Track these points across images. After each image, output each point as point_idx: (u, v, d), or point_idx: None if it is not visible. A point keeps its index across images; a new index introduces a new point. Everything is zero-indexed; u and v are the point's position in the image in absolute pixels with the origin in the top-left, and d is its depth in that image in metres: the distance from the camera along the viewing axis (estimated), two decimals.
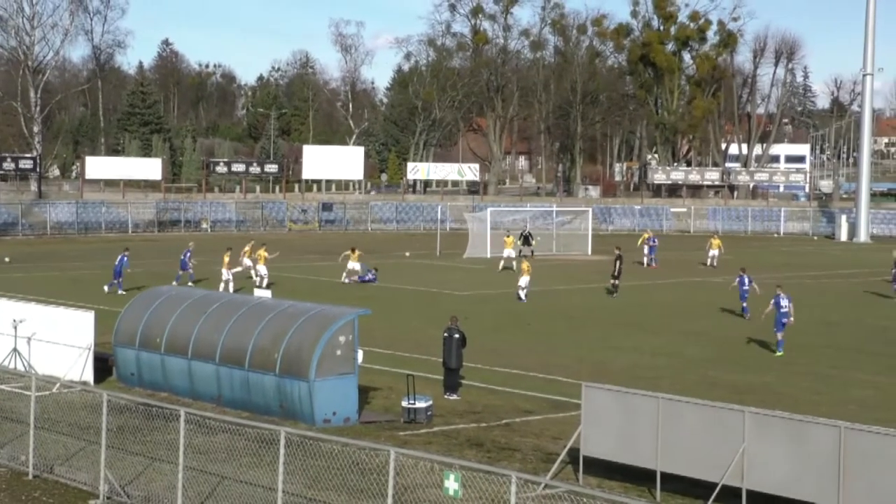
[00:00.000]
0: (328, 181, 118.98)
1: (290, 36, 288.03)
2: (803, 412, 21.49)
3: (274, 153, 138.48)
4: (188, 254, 51.27)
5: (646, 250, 66.14)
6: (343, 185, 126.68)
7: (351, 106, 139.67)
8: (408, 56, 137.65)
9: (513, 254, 62.94)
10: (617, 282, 50.35)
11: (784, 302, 36.00)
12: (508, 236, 65.46)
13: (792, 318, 36.20)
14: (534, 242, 71.06)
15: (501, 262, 61.49)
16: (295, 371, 25.02)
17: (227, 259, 49.07)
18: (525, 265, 49.85)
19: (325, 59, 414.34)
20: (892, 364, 34.28)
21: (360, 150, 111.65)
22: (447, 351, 28.45)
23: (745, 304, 43.39)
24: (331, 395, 24.93)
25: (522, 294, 48.56)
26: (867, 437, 17.77)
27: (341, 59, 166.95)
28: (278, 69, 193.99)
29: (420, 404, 25.33)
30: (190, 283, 48.23)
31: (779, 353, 35.61)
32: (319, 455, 18.15)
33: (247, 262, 53.35)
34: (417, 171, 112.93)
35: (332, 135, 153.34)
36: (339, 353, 25.25)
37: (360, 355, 25.68)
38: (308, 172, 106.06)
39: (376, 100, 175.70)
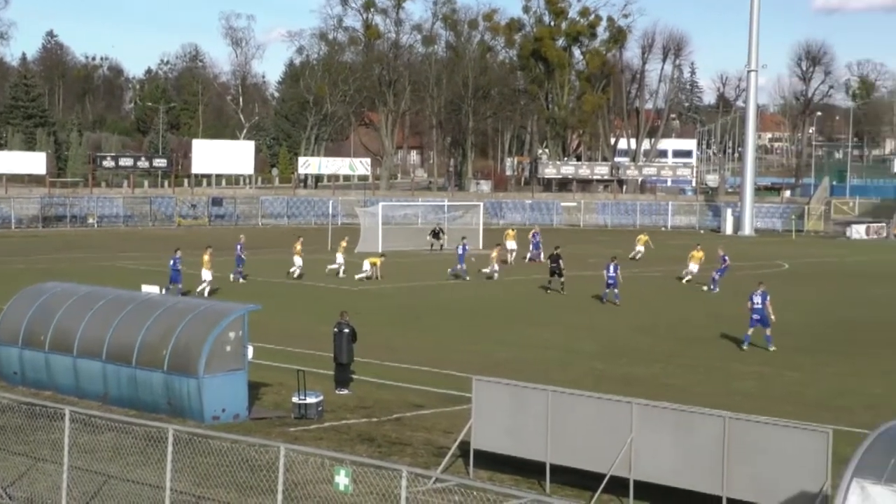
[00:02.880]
0: (218, 176, 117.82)
1: (179, 28, 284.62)
2: (689, 403, 21.83)
3: (163, 147, 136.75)
4: (176, 261, 47.16)
5: (530, 246, 66.82)
6: (233, 180, 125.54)
7: (241, 100, 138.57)
8: (299, 50, 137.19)
9: (514, 246, 65.07)
10: (562, 279, 50.03)
11: (756, 299, 36.09)
12: (511, 229, 68.88)
13: (773, 317, 36.13)
14: (444, 237, 72.42)
15: (508, 255, 63.57)
16: (183, 368, 24.74)
17: (206, 258, 48.02)
18: (495, 254, 54.81)
19: (215, 53, 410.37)
20: (774, 354, 34.97)
21: (251, 145, 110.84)
22: (337, 346, 28.36)
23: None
24: (220, 392, 24.70)
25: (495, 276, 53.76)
26: (750, 427, 18.13)
27: (232, 52, 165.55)
28: (167, 62, 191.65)
29: (310, 400, 25.21)
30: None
31: (744, 347, 35.86)
32: (208, 452, 17.97)
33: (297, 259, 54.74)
34: (309, 165, 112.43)
35: (222, 129, 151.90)
36: (228, 349, 25.03)
37: (249, 351, 25.49)
38: (198, 167, 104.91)
39: (267, 94, 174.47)
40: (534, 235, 67.87)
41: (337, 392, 27.84)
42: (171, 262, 46.54)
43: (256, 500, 17.77)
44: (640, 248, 67.86)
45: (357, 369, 29.59)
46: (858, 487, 13.38)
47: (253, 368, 26.41)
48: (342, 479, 15.44)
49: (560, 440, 19.77)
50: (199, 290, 46.58)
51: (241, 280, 52.11)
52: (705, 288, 51.58)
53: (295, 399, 25.32)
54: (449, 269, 56.17)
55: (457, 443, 21.31)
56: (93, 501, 18.35)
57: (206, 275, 47.22)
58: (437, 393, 28.38)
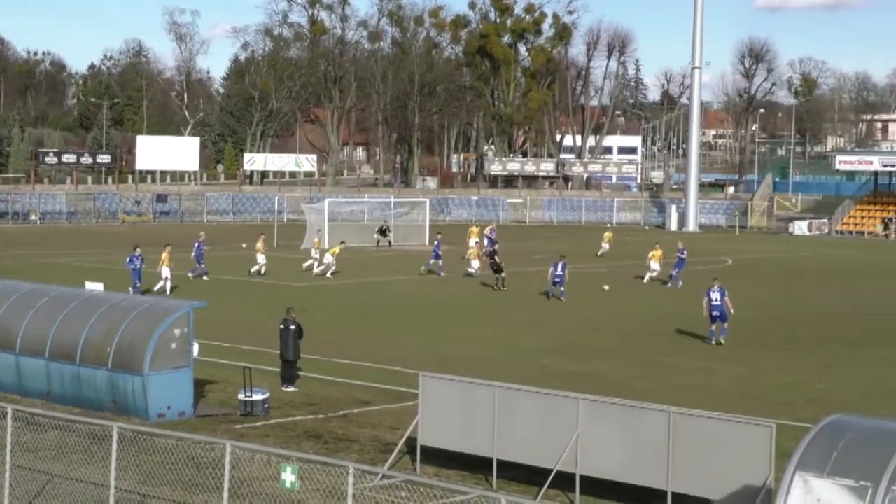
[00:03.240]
0: (163, 172, 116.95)
1: (123, 24, 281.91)
2: (635, 399, 21.96)
3: (106, 144, 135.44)
4: (134, 259, 46.32)
5: (485, 241, 66.59)
6: (178, 177, 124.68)
7: (186, 96, 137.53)
8: (244, 46, 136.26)
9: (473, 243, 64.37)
10: (502, 275, 49.68)
11: (714, 296, 36.16)
12: (475, 227, 67.78)
13: (731, 311, 36.38)
14: (390, 234, 72.45)
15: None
16: (128, 365, 24.56)
17: (165, 256, 47.47)
18: (474, 251, 55.13)
19: (158, 49, 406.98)
20: (719, 349, 35.27)
21: (196, 141, 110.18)
22: (284, 343, 28.29)
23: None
24: (165, 390, 24.55)
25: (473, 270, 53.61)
26: (695, 422, 18.26)
27: (176, 48, 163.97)
28: (110, 58, 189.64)
29: (257, 397, 25.11)
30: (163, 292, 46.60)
31: (713, 342, 36.10)
32: (153, 450, 17.85)
33: (314, 253, 55.52)
34: (254, 161, 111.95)
35: (166, 125, 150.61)
36: (173, 346, 24.89)
37: (195, 348, 25.35)
38: (142, 163, 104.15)
39: (212, 90, 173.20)
40: (491, 232, 67.72)
41: (283, 389, 27.75)
42: (129, 259, 45.92)
43: (202, 498, 17.66)
44: (605, 244, 67.99)
45: (304, 366, 29.50)
46: (801, 480, 13.53)
47: (199, 366, 26.25)
48: (288, 476, 15.39)
49: (507, 436, 19.82)
50: (157, 287, 46.20)
51: (204, 277, 51.77)
52: (669, 285, 51.78)
53: (241, 396, 25.21)
54: (422, 266, 56.15)
55: (403, 439, 21.31)
56: (36, 500, 18.17)
57: (165, 272, 46.87)
58: (383, 389, 28.36)
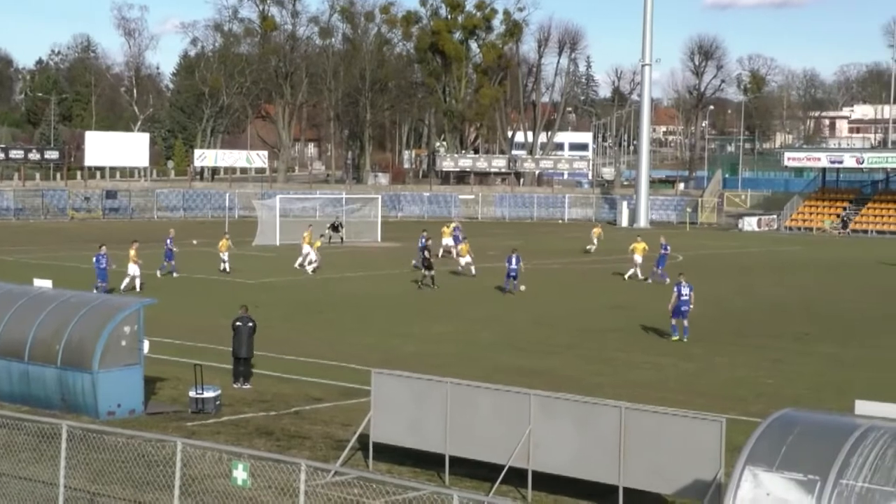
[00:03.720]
0: (112, 168, 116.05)
1: (70, 18, 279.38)
2: (587, 394, 22.05)
3: (54, 139, 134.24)
4: (100, 258, 45.29)
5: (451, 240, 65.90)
6: (128, 173, 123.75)
7: (135, 92, 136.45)
8: (194, 41, 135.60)
9: (451, 242, 63.87)
10: (431, 272, 49.14)
11: (685, 290, 36.14)
12: (447, 226, 66.80)
13: (692, 306, 36.35)
14: (342, 230, 72.31)
15: (441, 250, 62.73)
16: (77, 363, 24.36)
17: (133, 253, 46.92)
18: (464, 247, 53.57)
19: (107, 44, 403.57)
20: (670, 345, 35.49)
21: (146, 137, 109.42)
22: (238, 341, 28.10)
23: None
24: (115, 387, 24.38)
25: (472, 269, 52.17)
26: (646, 417, 18.36)
27: (125, 43, 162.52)
28: (58, 53, 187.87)
29: (208, 394, 24.99)
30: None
31: (674, 338, 36.02)
32: (103, 448, 17.72)
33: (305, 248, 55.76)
34: (205, 158, 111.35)
35: (115, 121, 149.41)
36: (123, 343, 24.73)
37: (145, 346, 25.20)
38: (91, 159, 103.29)
39: (162, 86, 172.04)
40: (455, 230, 67.27)
41: (236, 387, 27.57)
42: (95, 258, 45.03)
43: (153, 496, 17.56)
44: (595, 240, 68.07)
45: (256, 363, 29.39)
46: (751, 475, 13.64)
47: (149, 363, 26.12)
48: (240, 474, 15.33)
49: (459, 432, 19.83)
50: (123, 286, 45.81)
51: (174, 275, 51.38)
52: (649, 281, 51.75)
53: (192, 393, 25.08)
54: (413, 262, 56.36)
55: (356, 436, 21.28)
56: None
57: (133, 269, 46.43)
58: (336, 386, 28.32)
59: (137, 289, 45.75)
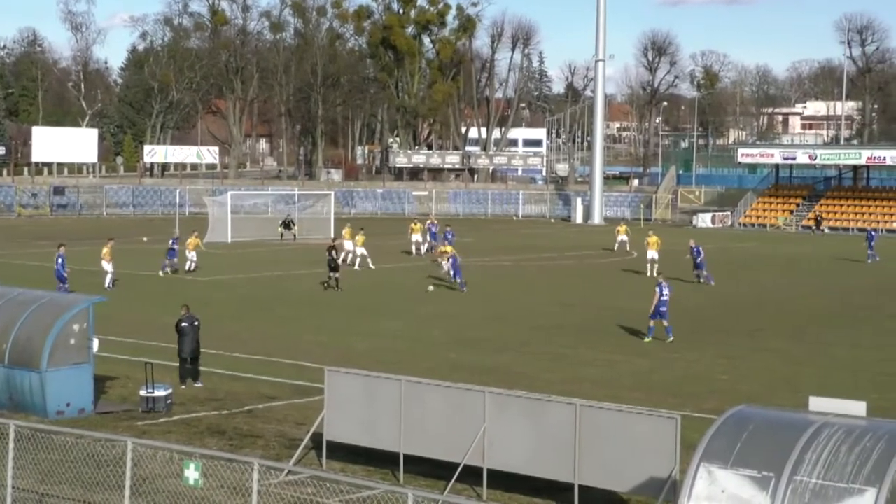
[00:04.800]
0: (60, 164, 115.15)
1: (15, 12, 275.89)
2: (540, 391, 22.15)
3: (1, 135, 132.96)
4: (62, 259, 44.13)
5: (425, 237, 65.40)
6: (76, 169, 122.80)
7: (83, 86, 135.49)
8: (143, 35, 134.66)
9: (420, 239, 63.70)
10: (336, 274, 47.48)
11: (665, 291, 35.85)
12: (415, 223, 65.89)
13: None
14: (294, 227, 72.15)
15: (413, 248, 62.76)
16: (25, 361, 24.15)
17: (107, 250, 46.44)
18: (447, 249, 50.34)
19: (54, 38, 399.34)
20: (623, 342, 35.66)
21: (94, 133, 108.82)
22: (185, 342, 27.73)
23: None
24: (64, 386, 24.19)
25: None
26: (600, 414, 18.44)
27: (72, 37, 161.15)
28: (4, 47, 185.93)
29: (159, 393, 24.86)
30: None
31: (647, 339, 35.46)
32: (52, 448, 17.59)
33: (348, 245, 56.32)
34: (155, 153, 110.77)
35: (63, 116, 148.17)
36: (72, 342, 24.53)
37: (95, 344, 25.01)
38: (38, 155, 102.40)
39: (110, 80, 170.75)
40: (432, 225, 66.96)
41: (183, 388, 27.23)
42: (59, 259, 43.58)
43: (103, 497, 17.45)
44: (622, 237, 67.63)
45: (207, 361, 29.25)
46: (706, 472, 13.74)
47: (99, 361, 25.94)
48: (192, 474, 15.27)
49: (413, 430, 19.84)
50: (107, 285, 45.79)
51: (170, 272, 51.35)
52: (700, 281, 50.93)
53: (143, 392, 24.93)
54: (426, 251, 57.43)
55: (309, 434, 21.24)
56: None
57: (107, 266, 46.19)
58: (289, 384, 28.25)
59: (110, 286, 45.57)
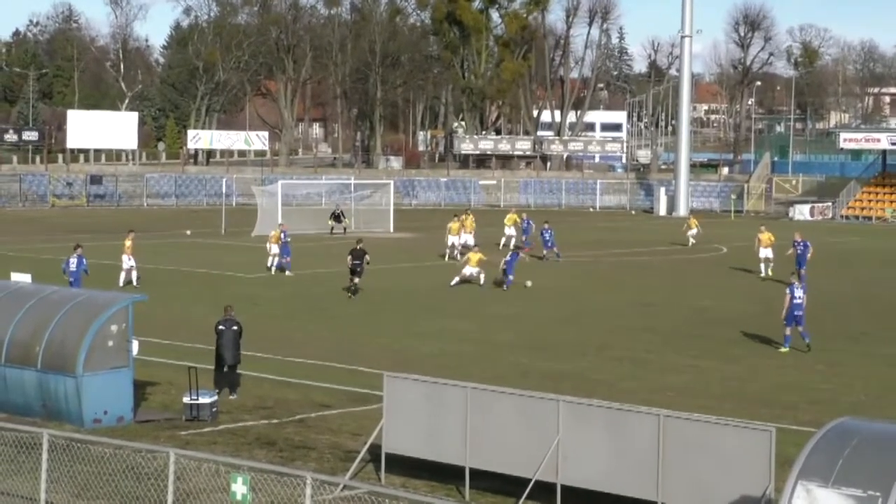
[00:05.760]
0: (97, 151, 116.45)
1: None
2: (620, 400, 22.04)
3: (34, 119, 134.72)
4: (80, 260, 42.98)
5: (520, 232, 64.31)
6: (115, 156, 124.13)
7: (122, 66, 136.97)
8: (187, 11, 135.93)
9: (468, 240, 58.96)
10: (357, 280, 45.16)
11: (798, 293, 34.93)
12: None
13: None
14: (345, 220, 72.22)
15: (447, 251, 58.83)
16: (59, 365, 24.40)
17: (128, 243, 46.80)
18: (477, 256, 48.50)
19: (91, 13, 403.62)
20: (712, 347, 35.41)
21: (134, 116, 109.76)
22: (223, 346, 27.45)
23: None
24: (102, 392, 24.41)
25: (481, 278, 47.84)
26: (687, 425, 18.31)
27: (110, 13, 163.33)
28: (37, 23, 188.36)
29: (204, 400, 25.02)
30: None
31: (783, 349, 34.62)
32: (89, 460, 17.77)
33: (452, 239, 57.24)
34: (199, 139, 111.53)
35: (101, 99, 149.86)
36: (111, 344, 24.74)
37: (135, 346, 25.20)
38: (74, 141, 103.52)
39: (151, 60, 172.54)
40: (525, 221, 64.48)
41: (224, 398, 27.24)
42: (76, 261, 42.34)
43: None
44: (694, 230, 67.65)
45: (255, 366, 29.44)
46: (804, 490, 13.61)
47: (138, 365, 26.14)
48: (239, 488, 15.36)
49: (480, 442, 19.82)
50: (121, 282, 45.43)
51: (287, 273, 50.53)
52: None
53: (186, 399, 25.11)
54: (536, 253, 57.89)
55: (366, 446, 21.30)
56: None
57: (127, 262, 46.40)
58: (344, 391, 28.34)
59: (134, 283, 45.87)
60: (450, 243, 58.29)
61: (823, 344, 36.17)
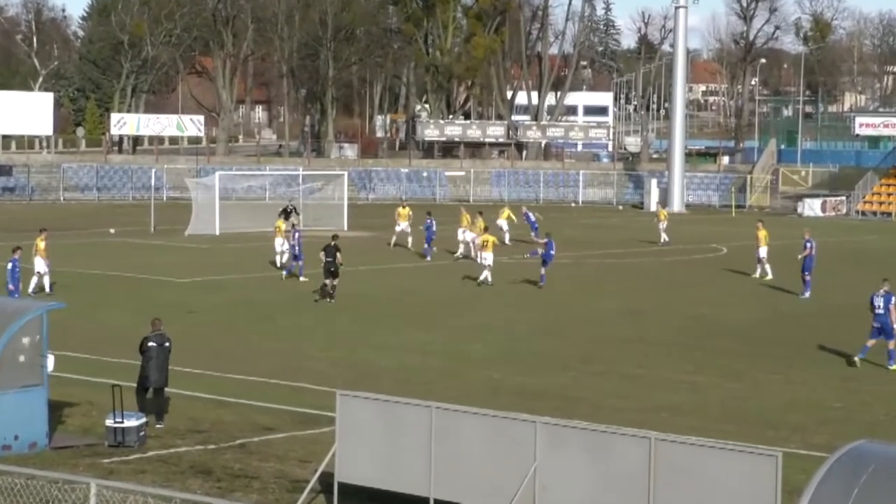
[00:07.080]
0: (6, 137, 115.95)
1: None
2: (605, 421, 22.09)
3: None
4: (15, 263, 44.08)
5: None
6: (26, 143, 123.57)
7: (35, 40, 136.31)
8: None
9: (407, 228, 63.78)
10: (335, 281, 45.54)
11: (879, 302, 34.66)
12: (403, 207, 66.38)
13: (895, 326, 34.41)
14: (297, 217, 71.95)
15: (394, 238, 63.49)
16: None
17: (41, 244, 46.39)
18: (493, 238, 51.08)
19: None
20: (710, 360, 35.52)
21: (49, 98, 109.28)
22: (150, 367, 26.90)
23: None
24: (12, 415, 24.27)
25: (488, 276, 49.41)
26: (681, 450, 18.35)
27: None
28: None
29: (130, 423, 24.91)
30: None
31: (856, 359, 34.42)
32: None
33: (468, 235, 58.32)
34: (125, 124, 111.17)
35: (10, 77, 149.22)
36: (22, 359, 24.61)
37: (50, 362, 25.08)
38: None
39: (69, 33, 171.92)
40: (526, 213, 67.36)
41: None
42: (10, 264, 43.72)
43: None
44: (664, 223, 68.90)
45: (188, 384, 29.39)
46: None
47: (54, 383, 26.03)
48: None
49: (446, 470, 19.84)
50: (31, 287, 45.39)
51: (302, 278, 50.29)
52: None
53: (109, 422, 24.99)
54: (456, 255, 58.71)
55: (317, 475, 21.29)
56: None
57: (40, 265, 46.07)
58: (290, 412, 28.33)
59: (47, 289, 45.68)
60: (464, 239, 60.62)
61: (836, 357, 36.36)
